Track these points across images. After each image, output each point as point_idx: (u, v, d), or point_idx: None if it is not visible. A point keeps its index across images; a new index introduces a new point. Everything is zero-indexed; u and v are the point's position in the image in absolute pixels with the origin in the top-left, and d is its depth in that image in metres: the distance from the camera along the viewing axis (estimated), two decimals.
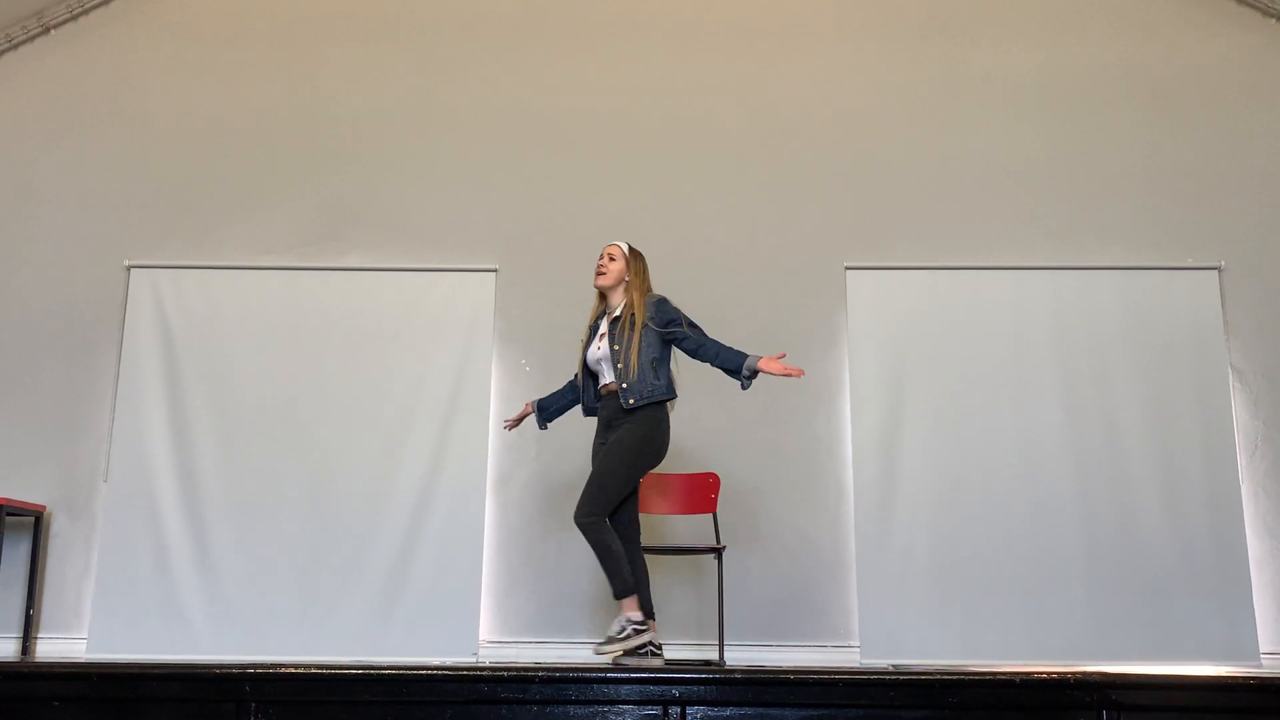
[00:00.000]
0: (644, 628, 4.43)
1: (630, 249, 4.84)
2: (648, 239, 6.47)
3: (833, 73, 6.76)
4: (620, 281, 4.77)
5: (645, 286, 4.79)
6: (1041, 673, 3.23)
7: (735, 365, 4.54)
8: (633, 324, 4.63)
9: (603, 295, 4.82)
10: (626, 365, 4.59)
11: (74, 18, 6.87)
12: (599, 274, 4.80)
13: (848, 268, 6.44)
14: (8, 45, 6.81)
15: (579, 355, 4.83)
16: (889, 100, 6.71)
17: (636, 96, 6.74)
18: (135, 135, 6.73)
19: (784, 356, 4.52)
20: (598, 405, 4.76)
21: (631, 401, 4.57)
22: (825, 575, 6.11)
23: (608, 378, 4.67)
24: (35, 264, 6.55)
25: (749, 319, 6.42)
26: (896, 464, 6.16)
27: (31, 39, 6.85)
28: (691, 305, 6.35)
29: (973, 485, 6.12)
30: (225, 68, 6.81)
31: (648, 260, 4.87)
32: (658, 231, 6.54)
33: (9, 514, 5.92)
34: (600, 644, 4.46)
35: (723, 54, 6.79)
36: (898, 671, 3.35)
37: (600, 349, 4.71)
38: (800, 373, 4.49)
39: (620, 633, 4.43)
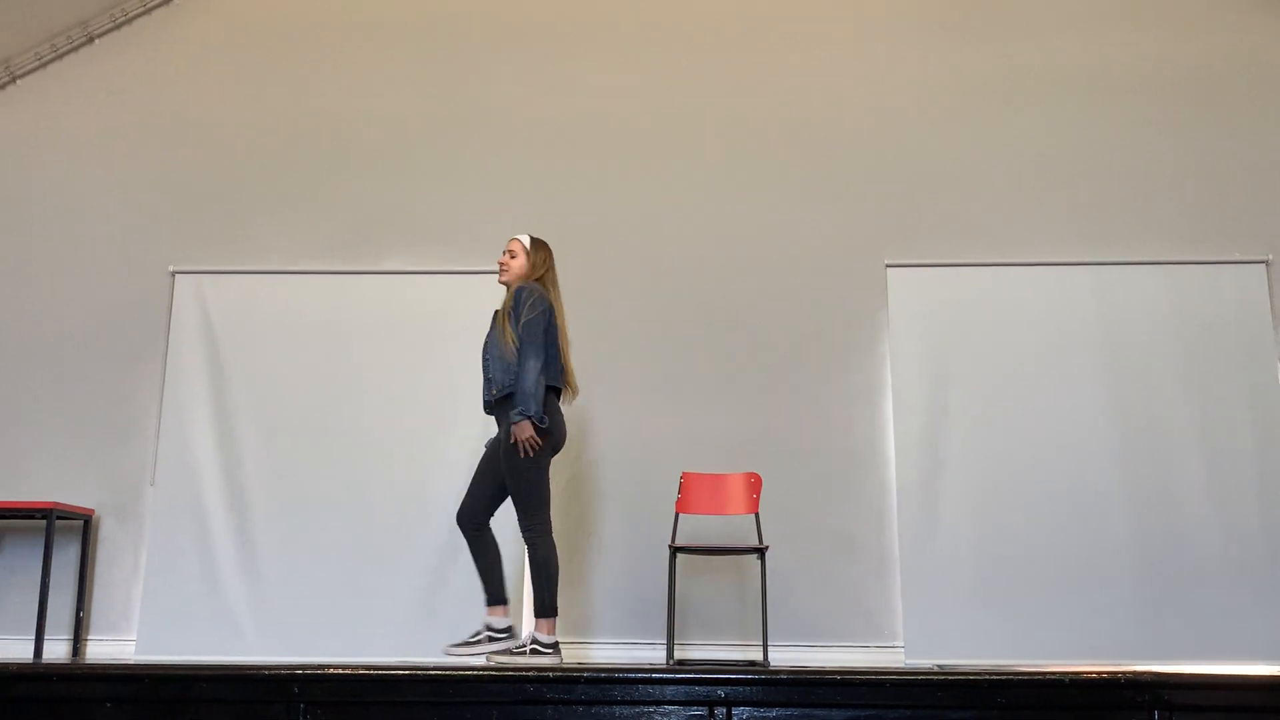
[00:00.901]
0: (546, 651, 4.45)
1: (531, 241, 4.82)
2: (686, 240, 6.52)
3: (871, 70, 6.72)
4: (520, 278, 4.77)
5: (538, 276, 4.73)
6: (1092, 672, 3.19)
7: (515, 403, 4.45)
8: (508, 314, 4.63)
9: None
10: (492, 356, 4.62)
11: (117, 27, 6.96)
12: (501, 271, 4.80)
13: (888, 265, 6.40)
14: (53, 55, 6.91)
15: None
16: (928, 97, 6.66)
17: (672, 97, 6.73)
18: (178, 142, 6.80)
19: (540, 428, 4.44)
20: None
21: (494, 392, 4.59)
22: (869, 575, 6.08)
23: (483, 371, 4.70)
24: (81, 270, 6.64)
25: (790, 319, 6.41)
26: (940, 462, 6.11)
27: (76, 48, 6.94)
28: (733, 305, 6.42)
29: (1017, 483, 6.06)
30: (265, 75, 6.87)
31: (548, 254, 4.82)
32: (696, 232, 6.54)
33: (59, 518, 6.00)
34: (494, 651, 4.50)
35: (759, 53, 6.77)
36: (944, 672, 3.33)
37: (484, 341, 4.73)
38: (524, 452, 4.45)
39: (519, 647, 4.49)
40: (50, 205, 6.75)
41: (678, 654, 5.63)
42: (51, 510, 5.93)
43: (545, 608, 4.50)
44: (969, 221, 6.48)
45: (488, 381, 4.64)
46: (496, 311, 4.75)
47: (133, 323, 6.55)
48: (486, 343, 4.72)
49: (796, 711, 3.15)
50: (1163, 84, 6.60)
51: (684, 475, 5.70)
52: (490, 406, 4.68)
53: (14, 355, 6.54)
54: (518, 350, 4.49)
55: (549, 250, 4.84)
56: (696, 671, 3.37)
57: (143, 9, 6.95)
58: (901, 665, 5.66)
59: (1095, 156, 6.52)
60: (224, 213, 6.69)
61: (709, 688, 3.17)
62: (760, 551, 5.36)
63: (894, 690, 3.17)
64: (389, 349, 6.40)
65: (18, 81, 6.91)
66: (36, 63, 6.90)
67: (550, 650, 4.47)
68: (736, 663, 5.52)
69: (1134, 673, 3.19)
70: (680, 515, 5.61)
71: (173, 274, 6.56)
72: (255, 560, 6.12)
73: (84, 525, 6.24)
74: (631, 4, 6.89)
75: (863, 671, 3.28)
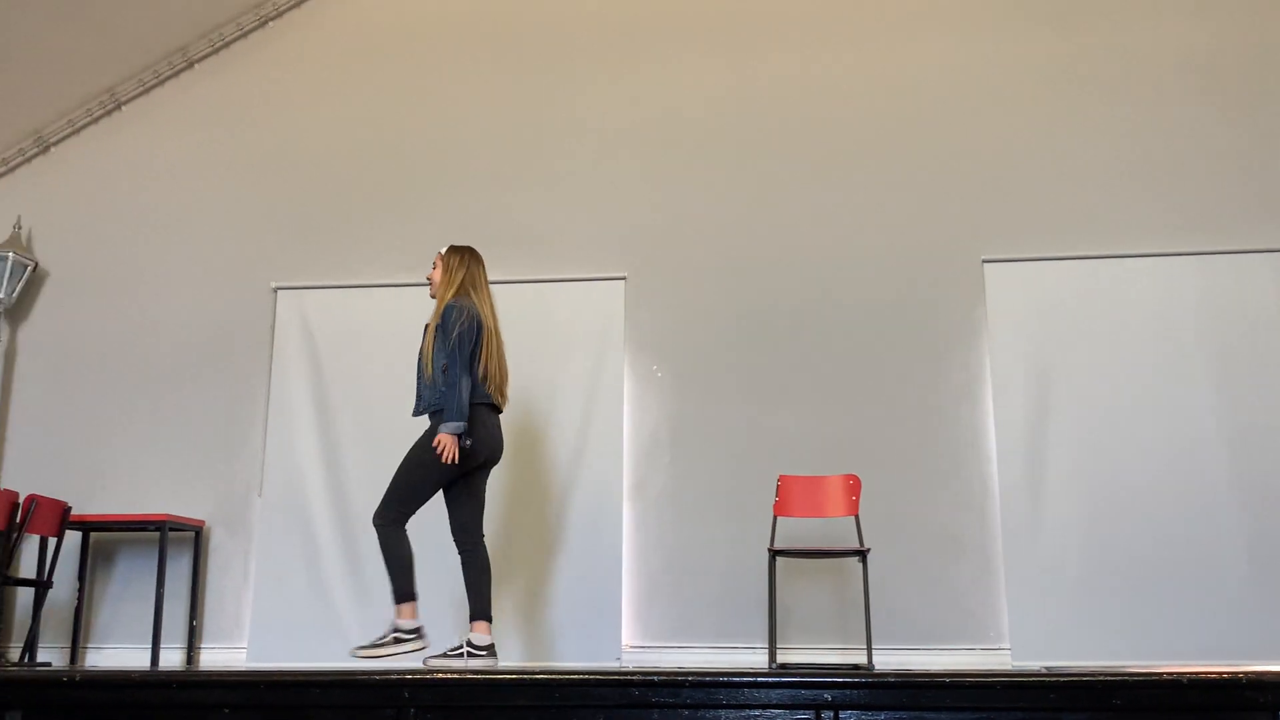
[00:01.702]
0: (409, 637, 4.48)
1: (448, 250, 4.77)
2: (781, 239, 6.49)
3: (966, 62, 6.62)
4: (441, 288, 4.72)
5: (458, 283, 4.67)
6: (1211, 673, 3.10)
7: (445, 416, 4.43)
8: (436, 331, 4.57)
9: None
10: (420, 371, 4.60)
11: (215, 51, 7.16)
12: (431, 287, 4.78)
13: (985, 261, 6.29)
14: (155, 81, 7.13)
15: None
16: (1024, 89, 6.55)
17: (763, 96, 6.71)
18: (276, 162, 6.97)
19: (467, 442, 4.44)
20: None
21: (422, 408, 4.58)
22: (973, 576, 5.98)
23: (417, 384, 4.66)
24: (189, 289, 6.83)
25: (887, 317, 6.34)
26: (1043, 460, 5.99)
27: (177, 74, 7.17)
28: (829, 305, 6.36)
29: (1125, 479, 5.91)
30: (361, 94, 7.01)
31: (462, 259, 4.77)
32: (790, 230, 6.51)
33: (171, 529, 6.18)
34: (360, 646, 4.53)
35: (852, 47, 6.72)
36: (1056, 673, 3.26)
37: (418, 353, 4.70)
38: (447, 459, 4.42)
39: (382, 638, 4.50)
40: (156, 227, 6.96)
41: (779, 658, 5.60)
42: (164, 523, 6.11)
43: (402, 593, 4.52)
44: (1067, 214, 6.34)
45: (418, 397, 4.63)
46: (428, 325, 4.72)
47: (238, 339, 6.72)
48: (418, 356, 4.69)
49: (905, 715, 3.11)
50: (1268, 67, 6.39)
51: (781, 478, 5.66)
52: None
53: (125, 375, 6.75)
54: (444, 369, 4.49)
55: (465, 255, 4.77)
56: (802, 674, 3.34)
57: (239, 33, 7.14)
58: (1009, 667, 5.55)
59: (1198, 143, 6.34)
60: (323, 229, 6.84)
61: (815, 691, 3.14)
62: (862, 554, 5.31)
63: (1005, 692, 3.11)
64: None
65: (122, 108, 7.15)
66: (140, 89, 7.13)
67: (408, 637, 4.48)
68: (839, 666, 5.47)
69: (1256, 673, 3.08)
70: (779, 518, 5.58)
71: (275, 290, 6.72)
72: (360, 568, 6.24)
73: (195, 536, 6.42)
74: (715, 7, 6.88)
75: (973, 674, 3.23)
